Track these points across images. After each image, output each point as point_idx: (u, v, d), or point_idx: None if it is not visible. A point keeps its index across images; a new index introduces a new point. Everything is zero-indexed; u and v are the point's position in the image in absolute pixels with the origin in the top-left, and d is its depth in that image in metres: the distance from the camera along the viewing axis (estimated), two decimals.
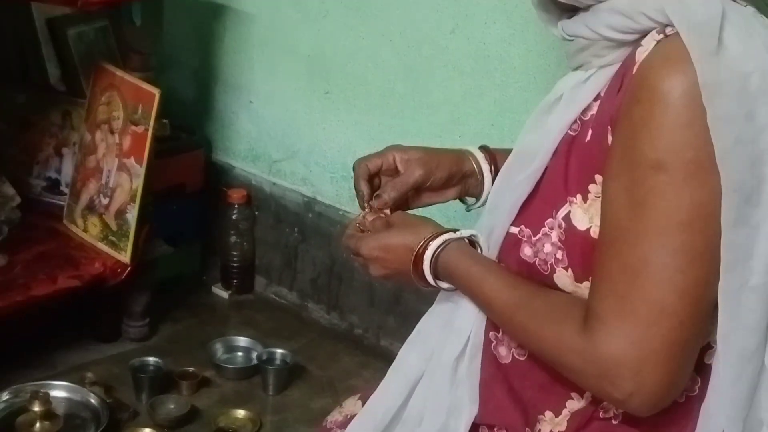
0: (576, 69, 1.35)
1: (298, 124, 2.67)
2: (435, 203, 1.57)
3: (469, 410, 1.40)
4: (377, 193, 1.53)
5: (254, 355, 2.48)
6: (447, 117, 2.32)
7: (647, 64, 1.20)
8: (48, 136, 2.58)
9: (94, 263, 2.35)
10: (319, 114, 2.61)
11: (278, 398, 2.38)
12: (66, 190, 2.53)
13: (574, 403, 1.33)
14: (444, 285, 1.40)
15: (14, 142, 2.59)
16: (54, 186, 2.57)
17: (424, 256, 1.38)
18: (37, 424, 2.09)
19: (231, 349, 2.53)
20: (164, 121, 2.53)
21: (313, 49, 2.57)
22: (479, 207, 1.57)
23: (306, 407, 2.34)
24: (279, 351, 2.47)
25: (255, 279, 2.84)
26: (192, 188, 2.81)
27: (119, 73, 2.37)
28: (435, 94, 2.35)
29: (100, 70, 2.42)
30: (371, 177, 1.56)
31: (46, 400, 2.10)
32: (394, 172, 1.55)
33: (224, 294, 2.81)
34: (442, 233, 1.40)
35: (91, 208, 2.42)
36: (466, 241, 1.41)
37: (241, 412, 2.28)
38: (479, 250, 1.40)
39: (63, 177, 2.57)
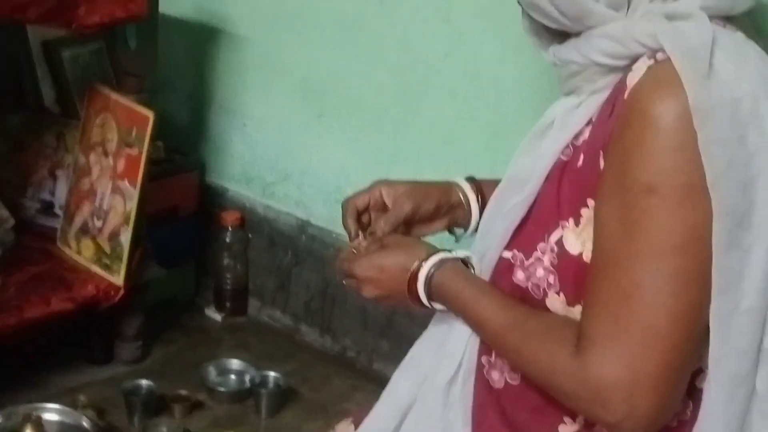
0: (568, 94, 1.36)
1: (292, 147, 2.66)
2: (424, 235, 1.57)
3: None
4: (370, 230, 1.54)
5: (247, 378, 2.48)
6: (440, 139, 2.33)
7: (639, 89, 1.21)
8: (42, 157, 2.56)
9: (87, 285, 2.34)
10: (313, 136, 2.60)
11: (271, 421, 2.38)
12: (60, 212, 2.52)
13: (567, 427, 1.32)
14: (438, 306, 1.40)
15: (8, 163, 2.56)
16: (48, 208, 2.55)
17: (419, 276, 1.38)
18: None
19: (224, 372, 2.52)
20: (158, 143, 2.52)
21: (307, 71, 2.58)
22: (468, 237, 1.58)
23: (299, 430, 2.34)
24: (272, 374, 2.47)
25: (248, 301, 2.82)
26: (186, 210, 2.79)
27: (113, 95, 2.37)
28: (428, 116, 2.36)
29: (95, 92, 2.41)
30: (360, 214, 1.57)
31: (39, 423, 2.09)
32: (382, 206, 1.57)
33: (217, 316, 2.79)
34: (436, 252, 1.40)
35: (84, 230, 2.42)
36: (461, 261, 1.41)
37: None
38: (473, 271, 1.41)
39: (57, 199, 2.54)
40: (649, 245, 1.19)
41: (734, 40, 1.25)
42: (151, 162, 2.36)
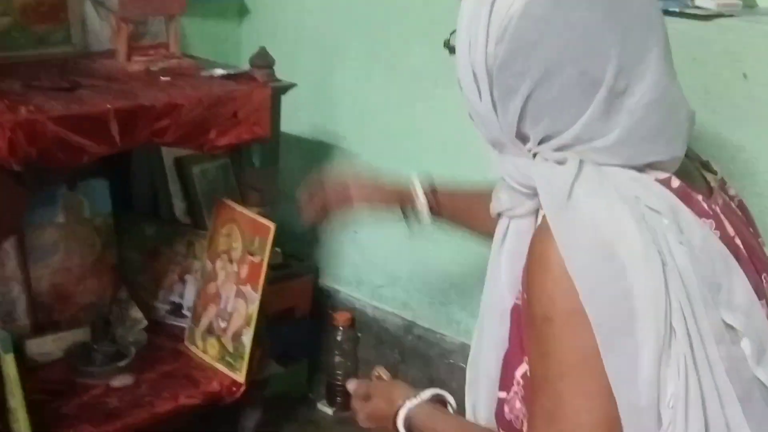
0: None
1: (400, 253, 2.46)
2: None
3: None
4: None
5: None
6: None
7: (536, 230, 1.21)
8: (173, 264, 2.38)
9: (212, 382, 2.14)
10: (419, 244, 2.26)
11: None
12: (188, 314, 2.31)
13: None
14: None
15: (142, 269, 2.39)
16: (177, 309, 2.37)
17: (398, 425, 1.39)
18: None
19: None
20: (277, 250, 2.30)
21: None
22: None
23: None
24: None
25: None
26: (301, 311, 2.57)
27: (239, 208, 2.18)
28: None
29: (221, 205, 2.23)
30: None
31: None
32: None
33: (329, 410, 2.53)
34: (408, 399, 1.38)
35: (210, 330, 2.21)
36: (427, 402, 1.39)
37: None
38: (449, 407, 1.39)
39: (185, 301, 2.36)
40: (556, 367, 1.17)
41: (597, 174, 1.18)
42: (270, 267, 2.16)
